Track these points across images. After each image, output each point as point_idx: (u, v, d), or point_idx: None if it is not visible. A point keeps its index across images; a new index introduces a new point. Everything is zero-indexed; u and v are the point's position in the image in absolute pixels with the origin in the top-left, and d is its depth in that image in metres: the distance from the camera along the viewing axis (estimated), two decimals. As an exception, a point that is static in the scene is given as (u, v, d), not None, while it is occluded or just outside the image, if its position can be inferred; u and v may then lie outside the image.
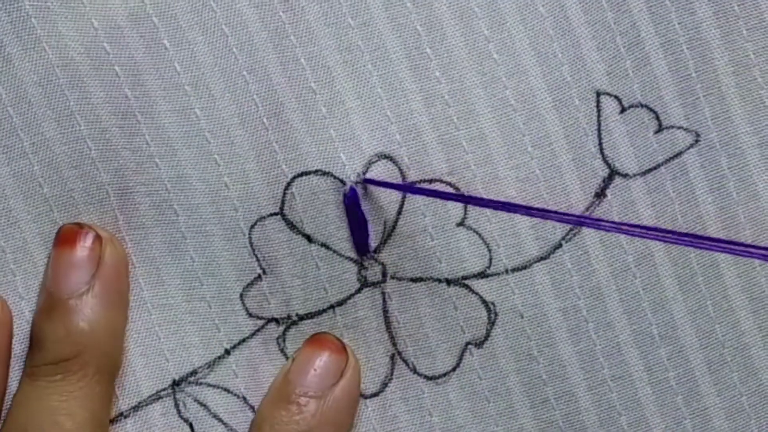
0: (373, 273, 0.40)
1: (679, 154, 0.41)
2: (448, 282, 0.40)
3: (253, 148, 0.40)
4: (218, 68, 0.40)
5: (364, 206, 0.40)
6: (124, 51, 0.39)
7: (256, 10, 0.40)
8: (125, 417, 0.40)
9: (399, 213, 0.40)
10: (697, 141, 0.41)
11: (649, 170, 0.41)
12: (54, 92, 0.39)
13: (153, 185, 0.40)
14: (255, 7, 0.40)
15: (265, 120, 0.40)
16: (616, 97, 0.41)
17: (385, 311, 0.40)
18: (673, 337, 0.41)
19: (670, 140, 0.41)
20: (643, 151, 0.41)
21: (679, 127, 0.41)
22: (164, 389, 0.40)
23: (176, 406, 0.40)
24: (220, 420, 0.40)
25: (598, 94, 0.41)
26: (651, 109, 0.41)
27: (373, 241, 0.40)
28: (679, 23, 0.41)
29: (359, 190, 0.40)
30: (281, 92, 0.40)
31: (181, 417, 0.40)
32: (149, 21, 0.39)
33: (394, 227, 0.40)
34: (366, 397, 0.40)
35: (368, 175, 0.40)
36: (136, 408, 0.40)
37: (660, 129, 0.41)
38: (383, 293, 0.40)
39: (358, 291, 0.40)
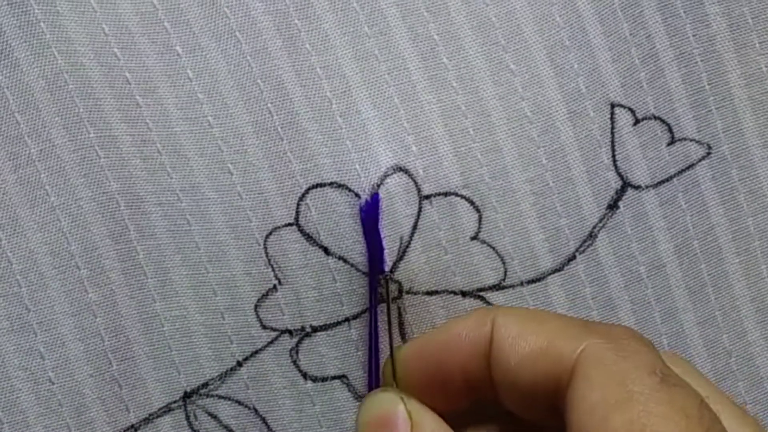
0: (390, 290, 0.39)
1: (691, 167, 0.40)
2: (464, 294, 0.39)
3: (267, 157, 0.38)
4: (232, 76, 0.38)
5: (379, 222, 0.38)
6: (136, 57, 0.37)
7: (270, 17, 0.38)
8: (136, 430, 0.38)
9: (414, 228, 0.39)
10: (708, 153, 0.40)
11: (662, 182, 0.40)
12: (63, 99, 0.37)
13: (164, 194, 0.38)
14: (270, 14, 0.38)
15: (279, 129, 0.38)
16: (629, 109, 0.40)
17: (401, 324, 0.39)
18: (682, 346, 0.40)
19: (682, 152, 0.40)
20: (655, 163, 0.40)
21: (691, 140, 0.40)
22: (175, 401, 0.39)
23: (187, 418, 0.39)
24: (232, 432, 0.39)
25: (613, 106, 0.40)
26: (664, 122, 0.40)
27: (389, 258, 0.39)
28: (693, 36, 0.40)
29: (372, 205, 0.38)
30: (296, 101, 0.38)
31: (192, 429, 0.38)
32: (161, 27, 0.38)
33: (409, 243, 0.39)
34: (380, 410, 0.39)
35: (383, 188, 0.38)
36: (146, 420, 0.38)
37: (672, 141, 0.40)
38: (398, 307, 0.39)
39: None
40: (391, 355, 0.36)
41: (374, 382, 0.38)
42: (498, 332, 0.34)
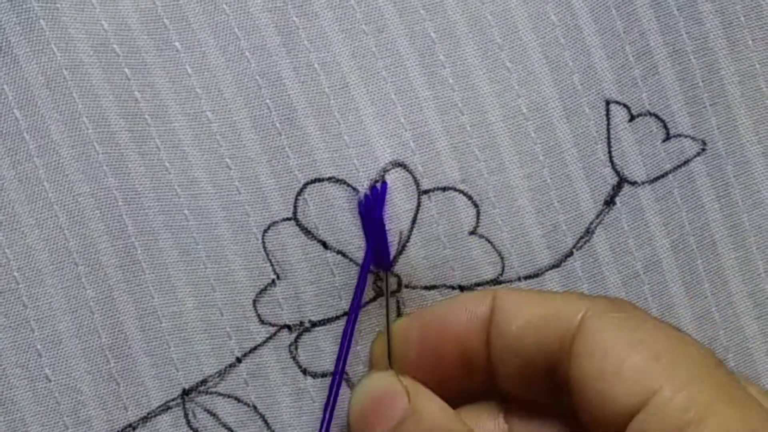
0: (389, 284, 0.38)
1: (686, 163, 0.40)
2: (462, 289, 0.38)
3: (265, 152, 0.37)
4: (230, 71, 0.37)
5: (383, 213, 0.37)
6: (135, 53, 0.37)
7: (269, 14, 0.37)
8: (134, 429, 0.37)
9: (413, 222, 0.38)
10: (703, 150, 0.40)
11: (657, 178, 0.39)
12: (62, 94, 0.36)
13: (163, 189, 0.37)
14: (268, 11, 0.37)
15: (277, 124, 0.38)
16: (625, 105, 0.39)
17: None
18: (680, 343, 0.40)
19: (677, 149, 0.40)
20: (651, 159, 0.39)
21: (686, 136, 0.40)
22: (174, 399, 0.37)
23: (186, 416, 0.37)
24: (231, 430, 0.38)
25: (608, 103, 0.39)
26: (659, 118, 0.39)
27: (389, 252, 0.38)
28: (686, 33, 0.39)
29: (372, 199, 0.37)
30: (294, 97, 0.37)
31: (190, 427, 0.37)
32: (160, 23, 0.37)
33: (409, 237, 0.38)
34: (378, 406, 0.38)
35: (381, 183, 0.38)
36: (145, 419, 0.37)
37: (668, 137, 0.40)
38: (397, 300, 0.38)
39: (373, 299, 0.38)
40: (388, 334, 0.35)
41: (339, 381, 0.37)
42: (500, 301, 0.33)
